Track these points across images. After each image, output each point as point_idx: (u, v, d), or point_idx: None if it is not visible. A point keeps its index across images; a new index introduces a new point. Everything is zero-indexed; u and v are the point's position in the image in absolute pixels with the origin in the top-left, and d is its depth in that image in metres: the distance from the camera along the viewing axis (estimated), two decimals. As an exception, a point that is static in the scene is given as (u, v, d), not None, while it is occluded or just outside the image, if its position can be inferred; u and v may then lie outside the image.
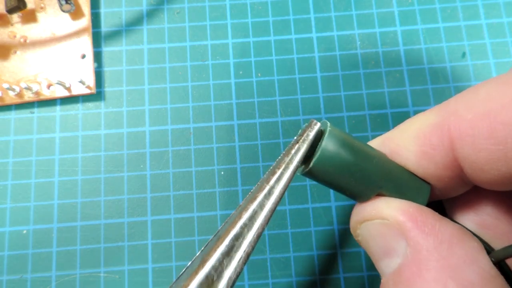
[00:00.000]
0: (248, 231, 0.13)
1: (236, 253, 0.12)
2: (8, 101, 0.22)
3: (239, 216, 0.13)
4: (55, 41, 0.23)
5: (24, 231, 0.21)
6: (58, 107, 0.23)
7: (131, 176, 0.22)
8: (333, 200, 0.22)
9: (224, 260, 0.12)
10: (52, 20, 0.24)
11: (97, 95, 0.23)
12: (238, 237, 0.12)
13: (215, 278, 0.12)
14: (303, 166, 0.15)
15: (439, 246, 0.13)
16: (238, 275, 0.12)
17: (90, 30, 0.23)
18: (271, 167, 0.14)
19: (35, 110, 0.23)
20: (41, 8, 0.24)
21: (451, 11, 0.24)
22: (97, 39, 0.24)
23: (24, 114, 0.23)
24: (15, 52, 0.23)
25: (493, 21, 0.24)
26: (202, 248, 0.13)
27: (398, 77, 0.23)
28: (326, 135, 0.14)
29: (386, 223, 0.14)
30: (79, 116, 0.23)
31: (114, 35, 0.24)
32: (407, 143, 0.15)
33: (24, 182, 0.22)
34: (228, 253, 0.12)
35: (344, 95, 0.23)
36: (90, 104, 0.23)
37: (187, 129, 0.23)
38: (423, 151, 0.14)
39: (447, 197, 0.16)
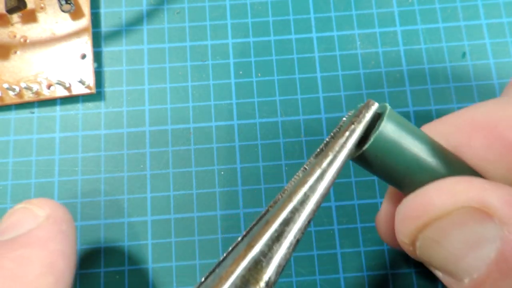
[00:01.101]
0: (299, 216, 0.12)
1: (286, 239, 0.11)
2: (8, 101, 0.22)
3: (289, 200, 0.12)
4: (55, 41, 0.23)
5: (24, 231, 0.21)
6: (58, 107, 0.23)
7: (131, 176, 0.22)
8: (333, 200, 0.22)
9: (274, 246, 0.11)
10: (52, 20, 0.24)
11: (97, 95, 0.23)
12: (288, 222, 0.12)
13: (264, 264, 0.11)
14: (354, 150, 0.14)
15: None
16: (287, 261, 0.12)
17: (90, 30, 0.23)
18: (322, 150, 0.13)
19: (35, 110, 0.23)
20: (41, 8, 0.24)
21: (451, 11, 0.24)
22: (97, 39, 0.24)
23: (24, 114, 0.23)
24: (15, 52, 0.23)
25: (493, 21, 0.24)
26: (244, 233, 0.13)
27: (398, 77, 0.23)
28: (386, 116, 0.13)
29: (468, 210, 0.12)
30: (79, 116, 0.23)
31: (114, 35, 0.24)
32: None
33: (24, 182, 0.22)
34: (278, 239, 0.11)
35: (344, 95, 0.23)
36: (90, 104, 0.23)
37: (187, 129, 0.23)
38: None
39: None
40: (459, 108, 0.23)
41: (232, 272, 0.11)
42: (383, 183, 0.20)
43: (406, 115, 0.23)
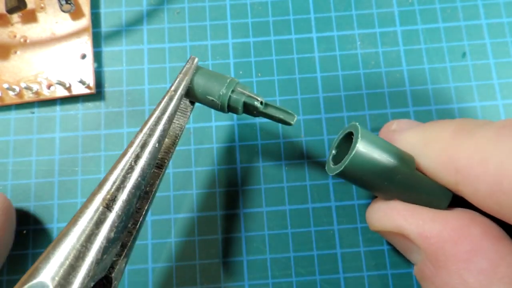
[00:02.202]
0: (143, 150, 0.15)
1: (134, 170, 0.15)
2: (8, 101, 0.22)
3: (136, 138, 0.15)
4: (55, 41, 0.23)
5: (24, 231, 0.21)
6: (58, 107, 0.23)
7: (131, 176, 0.22)
8: (333, 200, 0.22)
9: (123, 175, 0.15)
10: (52, 20, 0.24)
11: (97, 95, 0.23)
12: (138, 158, 0.15)
13: (118, 184, 0.14)
14: (335, 167, 0.17)
15: (449, 248, 0.15)
16: (137, 186, 0.15)
17: (90, 30, 0.23)
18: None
19: (35, 110, 0.23)
20: (41, 8, 0.24)
21: (451, 11, 0.24)
22: (97, 39, 0.24)
23: (24, 114, 0.23)
24: (15, 52, 0.23)
25: (493, 21, 0.24)
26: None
27: (398, 77, 0.23)
28: (359, 137, 0.15)
29: (394, 233, 0.17)
30: (79, 116, 0.23)
31: (114, 35, 0.24)
32: None
33: (24, 182, 0.22)
34: (127, 170, 0.15)
35: (344, 95, 0.23)
36: (90, 104, 0.23)
37: (187, 129, 0.23)
38: None
39: None
40: (459, 108, 0.23)
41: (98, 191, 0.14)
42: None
43: (406, 115, 0.23)
